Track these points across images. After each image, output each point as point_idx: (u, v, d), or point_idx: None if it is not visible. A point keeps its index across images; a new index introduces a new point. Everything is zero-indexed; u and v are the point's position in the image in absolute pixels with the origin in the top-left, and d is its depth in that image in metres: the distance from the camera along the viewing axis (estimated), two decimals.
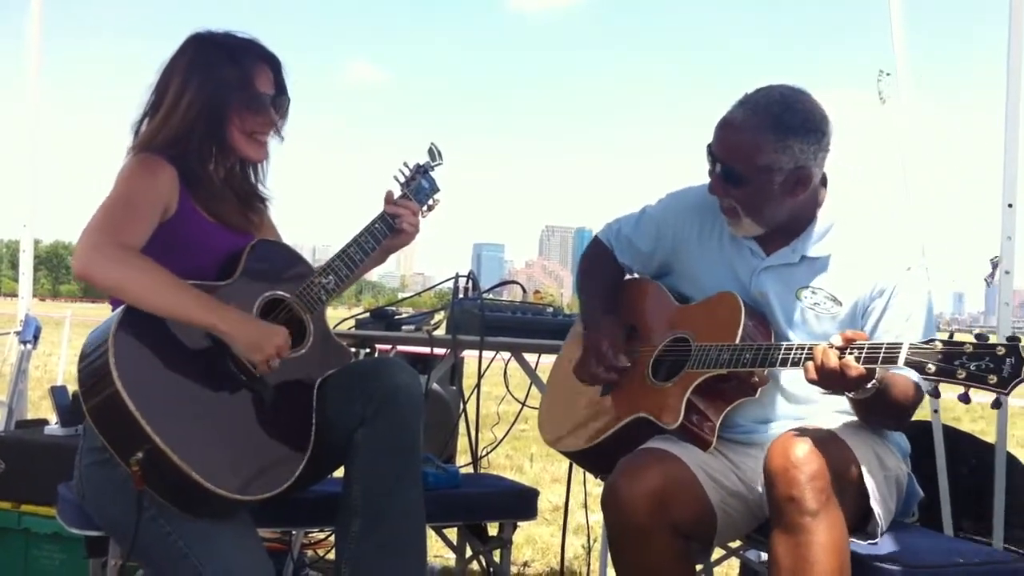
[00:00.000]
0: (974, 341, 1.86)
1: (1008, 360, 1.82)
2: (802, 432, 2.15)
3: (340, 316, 3.82)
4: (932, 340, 1.91)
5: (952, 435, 3.23)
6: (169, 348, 2.16)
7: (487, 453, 4.00)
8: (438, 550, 3.88)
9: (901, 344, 1.96)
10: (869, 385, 2.07)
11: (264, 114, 2.44)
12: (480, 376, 3.60)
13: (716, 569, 3.10)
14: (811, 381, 2.09)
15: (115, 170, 2.35)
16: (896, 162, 3.41)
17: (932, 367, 1.89)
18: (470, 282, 3.61)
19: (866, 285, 2.39)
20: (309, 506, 2.63)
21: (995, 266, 2.94)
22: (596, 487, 2.55)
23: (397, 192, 2.67)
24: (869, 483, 2.23)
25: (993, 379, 1.83)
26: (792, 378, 2.40)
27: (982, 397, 1.90)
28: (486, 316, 3.37)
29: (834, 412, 2.38)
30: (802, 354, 2.13)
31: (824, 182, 2.49)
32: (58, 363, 9.91)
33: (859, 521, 2.25)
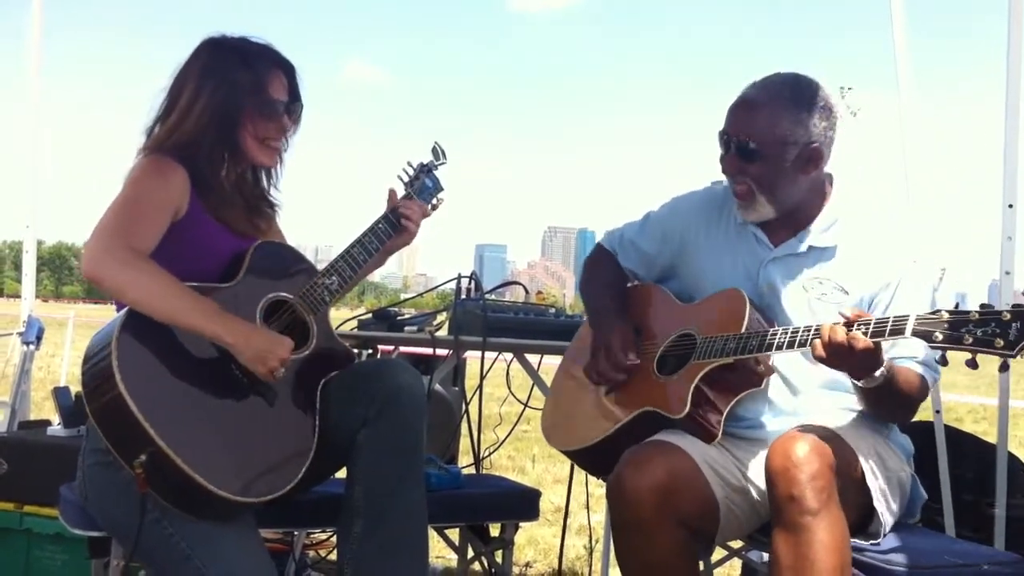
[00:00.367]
0: (979, 310, 1.90)
1: (1014, 325, 1.86)
2: (804, 431, 2.15)
3: (343, 317, 3.83)
4: (938, 310, 1.95)
5: (954, 436, 3.23)
6: (173, 351, 2.16)
7: (489, 454, 4.00)
8: (440, 551, 3.89)
9: (908, 315, 1.99)
10: (877, 373, 2.12)
11: (277, 120, 2.44)
12: (482, 377, 3.60)
13: (717, 570, 3.10)
14: (819, 358, 2.11)
15: (119, 171, 2.35)
16: (897, 162, 3.42)
17: (940, 335, 1.93)
18: (472, 283, 3.62)
19: (872, 277, 2.41)
20: (311, 507, 2.63)
21: None
22: (598, 488, 2.56)
23: (401, 191, 2.68)
24: (871, 483, 2.24)
25: (1000, 343, 1.86)
26: (797, 372, 2.41)
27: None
28: (488, 317, 3.37)
29: (839, 409, 2.39)
30: (809, 334, 2.16)
31: (830, 180, 2.52)
32: (61, 364, 9.92)
33: (862, 521, 2.25)
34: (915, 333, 1.96)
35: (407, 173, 2.70)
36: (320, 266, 2.52)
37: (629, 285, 2.84)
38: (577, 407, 2.71)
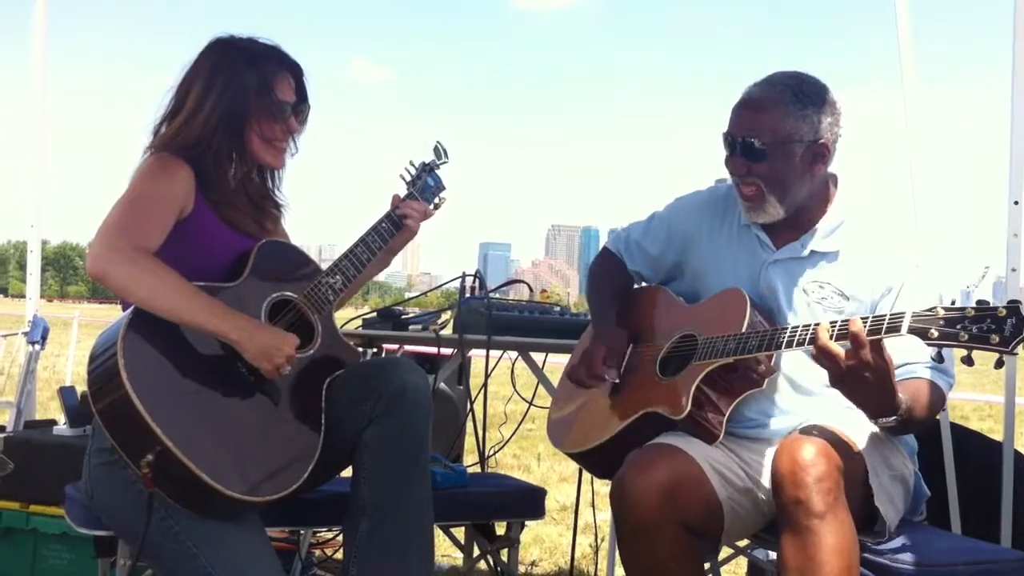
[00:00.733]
0: (975, 306, 1.89)
1: (1009, 320, 1.85)
2: (809, 434, 2.15)
3: (347, 316, 3.83)
4: (934, 307, 1.94)
5: (960, 433, 3.22)
6: (178, 350, 2.16)
7: (494, 452, 4.01)
8: (446, 549, 3.89)
9: (904, 313, 1.98)
10: (893, 418, 2.12)
11: (283, 121, 2.45)
12: (487, 375, 3.60)
13: (723, 568, 3.10)
14: (817, 354, 2.09)
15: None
16: (902, 160, 3.41)
17: (935, 332, 1.92)
18: (477, 281, 3.62)
19: (875, 283, 2.41)
20: (317, 506, 2.64)
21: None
22: (604, 486, 2.55)
23: (404, 190, 2.68)
24: (873, 482, 2.23)
25: (995, 339, 1.86)
26: (802, 372, 2.41)
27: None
28: (493, 315, 3.37)
29: (843, 409, 2.38)
30: (807, 334, 2.15)
31: (835, 181, 2.52)
32: (66, 364, 9.94)
33: (867, 520, 2.25)
34: (911, 330, 1.95)
35: (409, 172, 2.72)
36: (323, 265, 2.52)
37: (635, 287, 2.84)
38: (581, 410, 2.71)
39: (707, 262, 2.61)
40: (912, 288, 2.38)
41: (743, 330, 2.34)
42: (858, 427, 2.32)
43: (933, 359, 2.01)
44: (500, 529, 3.20)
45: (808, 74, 2.43)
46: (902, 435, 2.39)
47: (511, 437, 4.00)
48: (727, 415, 2.36)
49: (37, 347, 3.88)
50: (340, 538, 3.96)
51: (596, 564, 4.24)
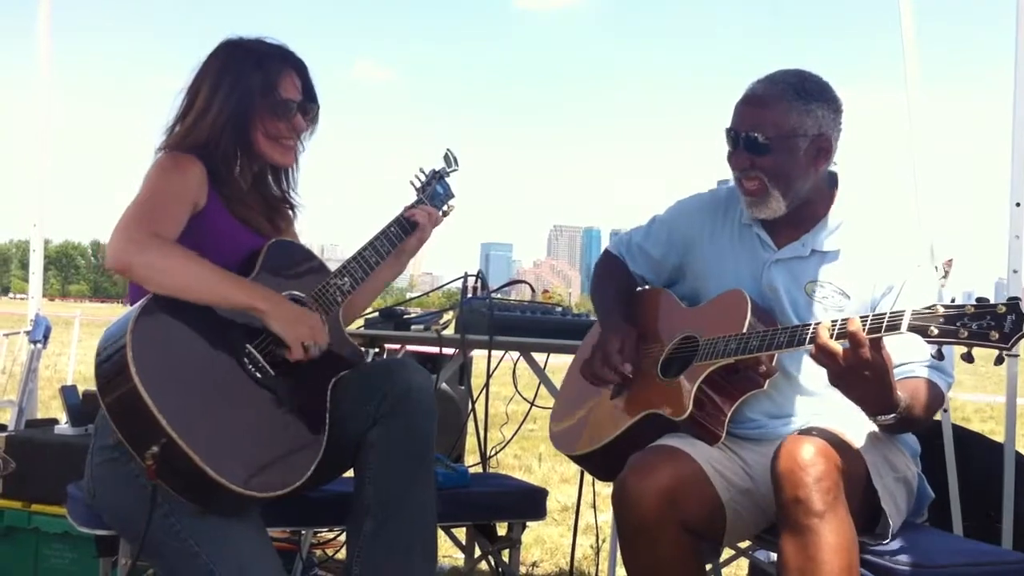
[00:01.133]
0: (975, 303, 1.90)
1: (1009, 317, 1.86)
2: (809, 433, 2.15)
3: None
4: (933, 305, 1.94)
5: (961, 435, 3.22)
6: (187, 345, 2.17)
7: (496, 453, 4.00)
8: (447, 550, 3.89)
9: (904, 311, 1.98)
10: (892, 416, 2.13)
11: (288, 119, 2.47)
12: (489, 376, 3.60)
13: (725, 570, 3.10)
14: (817, 352, 2.09)
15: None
16: (903, 160, 3.41)
17: (935, 330, 1.92)
18: (479, 281, 3.62)
19: (876, 281, 2.41)
20: (318, 506, 2.64)
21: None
22: (605, 487, 2.56)
23: (413, 196, 2.73)
24: (877, 483, 2.23)
25: (995, 335, 1.86)
26: (805, 373, 2.42)
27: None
28: (495, 316, 3.38)
29: (845, 410, 2.38)
30: (808, 333, 2.15)
31: (836, 181, 2.53)
32: (68, 363, 9.93)
33: (869, 521, 2.25)
34: (911, 328, 1.95)
35: (419, 179, 2.77)
36: (328, 265, 2.54)
37: (637, 290, 2.84)
38: (583, 413, 2.71)
39: (709, 264, 2.61)
40: (913, 287, 2.38)
41: (744, 330, 2.34)
42: (860, 429, 2.31)
43: (933, 356, 2.01)
44: (501, 530, 3.20)
45: (810, 72, 2.45)
46: (901, 434, 2.39)
47: (512, 437, 4.00)
48: (729, 416, 2.36)
49: (39, 346, 3.89)
50: (341, 538, 3.97)
51: (597, 565, 4.24)
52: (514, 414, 4.12)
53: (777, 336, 2.24)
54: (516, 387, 3.73)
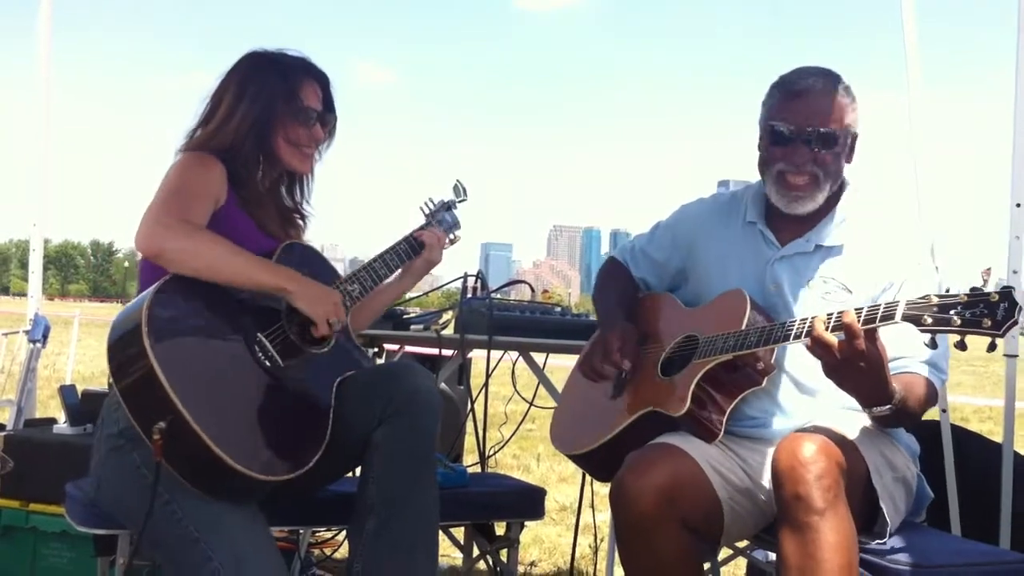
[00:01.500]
0: (968, 292, 1.91)
1: (1002, 305, 1.87)
2: (809, 431, 2.16)
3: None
4: (927, 295, 1.96)
5: (960, 435, 3.22)
6: (200, 330, 2.22)
7: (494, 452, 4.00)
8: (445, 549, 3.88)
9: (898, 301, 1.99)
10: (887, 407, 2.13)
11: (309, 126, 2.55)
12: (488, 376, 3.60)
13: (723, 569, 3.10)
14: (813, 345, 2.10)
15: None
16: (904, 160, 3.41)
17: (929, 318, 1.93)
18: (478, 282, 3.62)
19: (877, 278, 2.42)
20: (317, 505, 2.64)
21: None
22: (604, 487, 2.56)
23: (420, 220, 2.84)
24: (876, 482, 2.23)
25: (988, 323, 1.88)
26: (805, 371, 2.41)
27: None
28: (494, 316, 3.38)
29: (845, 409, 2.38)
30: (804, 326, 2.15)
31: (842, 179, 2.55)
32: (67, 362, 9.92)
33: (868, 520, 2.25)
34: (905, 317, 1.96)
35: (428, 206, 2.87)
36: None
37: (640, 294, 2.84)
38: (583, 412, 2.72)
39: (713, 265, 2.62)
40: (914, 284, 2.38)
41: (743, 326, 2.35)
42: (860, 428, 2.32)
43: (926, 345, 2.01)
44: (500, 529, 3.20)
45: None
46: (895, 427, 2.39)
47: (511, 437, 3.99)
48: (727, 413, 2.36)
49: (38, 345, 3.89)
50: (339, 538, 3.97)
51: (595, 565, 4.24)
52: (513, 414, 4.12)
53: (775, 331, 2.25)
54: (515, 387, 3.73)
